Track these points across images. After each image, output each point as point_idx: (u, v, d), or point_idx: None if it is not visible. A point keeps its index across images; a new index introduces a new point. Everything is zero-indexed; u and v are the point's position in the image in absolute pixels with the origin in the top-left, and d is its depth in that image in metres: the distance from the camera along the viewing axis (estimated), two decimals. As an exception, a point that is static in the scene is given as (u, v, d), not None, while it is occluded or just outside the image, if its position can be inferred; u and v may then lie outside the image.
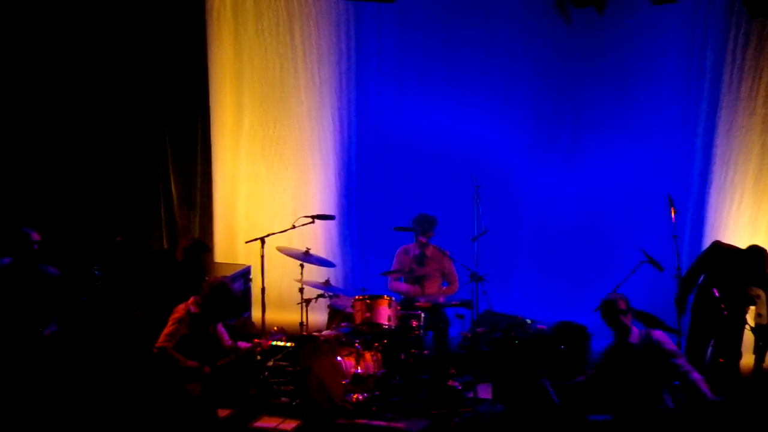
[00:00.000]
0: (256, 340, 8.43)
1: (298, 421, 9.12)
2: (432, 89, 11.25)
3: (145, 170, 11.67)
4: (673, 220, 9.40)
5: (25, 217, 11.18)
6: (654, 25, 10.56)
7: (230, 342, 8.43)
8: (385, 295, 9.81)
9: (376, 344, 9.63)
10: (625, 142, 10.82)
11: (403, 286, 10.37)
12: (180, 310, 8.17)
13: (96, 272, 9.46)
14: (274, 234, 10.19)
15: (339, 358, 9.23)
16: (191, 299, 8.21)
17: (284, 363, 9.10)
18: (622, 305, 7.93)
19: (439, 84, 11.23)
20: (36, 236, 8.68)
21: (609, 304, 7.97)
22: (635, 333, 7.90)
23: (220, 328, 8.41)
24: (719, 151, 10.49)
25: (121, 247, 9.19)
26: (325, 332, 9.75)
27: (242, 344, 8.58)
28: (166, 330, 8.04)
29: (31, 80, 11.39)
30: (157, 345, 7.99)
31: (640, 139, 10.78)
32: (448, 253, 10.08)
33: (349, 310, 9.84)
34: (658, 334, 7.93)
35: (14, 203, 11.30)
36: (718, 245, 9.43)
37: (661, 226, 10.16)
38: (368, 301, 9.64)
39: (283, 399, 9.54)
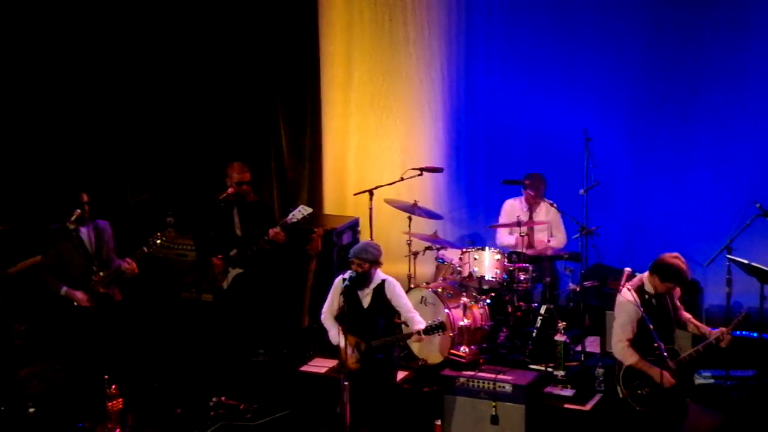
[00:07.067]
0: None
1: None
2: (543, 45, 10.98)
3: (256, 123, 11.82)
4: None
5: (140, 169, 11.52)
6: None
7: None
8: (493, 248, 9.80)
9: (484, 297, 9.64)
10: (743, 90, 10.42)
11: (510, 239, 10.30)
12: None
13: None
14: (382, 186, 10.24)
15: (446, 310, 9.27)
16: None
17: None
18: None
19: (551, 40, 10.96)
20: (86, 197, 8.62)
21: None
22: None
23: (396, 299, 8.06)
24: None
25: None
26: (432, 284, 9.79)
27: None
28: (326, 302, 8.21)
29: (160, 39, 11.59)
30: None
31: (762, 86, 10.37)
32: (555, 205, 9.96)
33: (457, 262, 9.84)
34: None
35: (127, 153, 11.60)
36: None
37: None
38: (476, 253, 9.63)
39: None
